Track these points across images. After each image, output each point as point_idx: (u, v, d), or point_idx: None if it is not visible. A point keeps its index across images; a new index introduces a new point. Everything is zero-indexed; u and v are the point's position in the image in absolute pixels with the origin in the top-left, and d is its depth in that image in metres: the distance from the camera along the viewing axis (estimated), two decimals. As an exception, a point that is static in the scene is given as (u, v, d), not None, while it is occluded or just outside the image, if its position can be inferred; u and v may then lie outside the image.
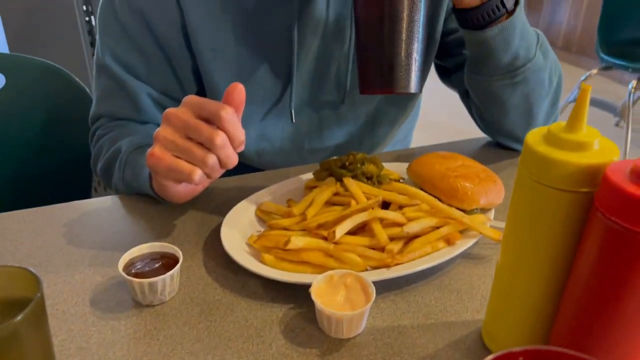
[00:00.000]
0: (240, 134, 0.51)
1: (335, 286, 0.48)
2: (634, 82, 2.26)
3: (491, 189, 0.59)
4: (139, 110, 0.73)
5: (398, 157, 0.78)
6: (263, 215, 0.60)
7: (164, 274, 0.48)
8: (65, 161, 0.98)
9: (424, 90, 0.72)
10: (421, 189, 0.59)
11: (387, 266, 0.51)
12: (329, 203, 0.59)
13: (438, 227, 0.55)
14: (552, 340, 0.40)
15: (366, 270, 0.51)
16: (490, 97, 0.71)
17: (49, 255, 0.56)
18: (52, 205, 0.66)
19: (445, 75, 0.83)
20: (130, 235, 0.60)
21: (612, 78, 3.28)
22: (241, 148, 0.52)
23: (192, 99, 0.52)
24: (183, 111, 0.51)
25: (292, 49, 0.70)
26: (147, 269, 0.50)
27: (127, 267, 0.50)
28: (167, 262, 0.51)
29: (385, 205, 0.58)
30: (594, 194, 0.35)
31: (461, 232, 0.55)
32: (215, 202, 0.65)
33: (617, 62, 2.36)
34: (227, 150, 0.51)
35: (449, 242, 0.54)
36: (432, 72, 0.87)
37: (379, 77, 0.53)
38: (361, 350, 0.45)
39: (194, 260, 0.55)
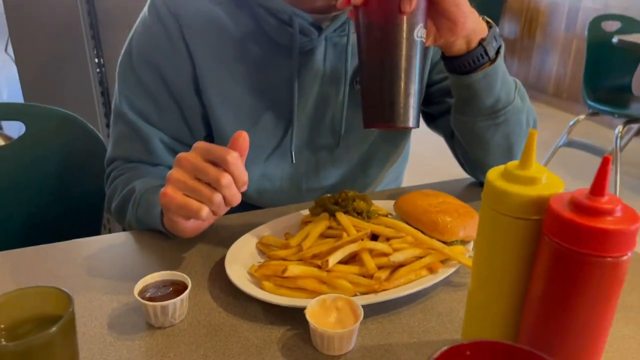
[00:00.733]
0: (243, 175, 0.58)
1: (328, 309, 0.53)
2: (620, 127, 2.36)
3: (469, 222, 0.66)
4: (152, 154, 0.81)
5: (389, 196, 0.84)
6: (263, 248, 0.66)
7: (174, 298, 0.54)
8: (79, 202, 1.05)
9: (415, 137, 0.79)
10: (406, 223, 0.66)
11: (375, 292, 0.57)
12: (323, 236, 0.65)
13: (421, 257, 0.61)
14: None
15: (356, 295, 0.57)
16: (474, 137, 0.78)
17: (69, 284, 0.62)
18: (72, 240, 0.72)
19: (431, 120, 0.91)
20: (142, 266, 0.66)
21: (601, 123, 3.39)
22: (244, 188, 0.59)
23: (201, 144, 0.59)
24: (193, 155, 0.58)
25: (292, 97, 0.79)
26: (159, 294, 0.55)
27: (141, 293, 0.55)
28: (177, 288, 0.56)
29: (374, 237, 0.64)
30: (542, 221, 0.41)
31: (442, 261, 0.61)
32: (220, 237, 0.72)
33: (603, 108, 2.47)
34: (231, 190, 0.57)
35: (431, 270, 0.60)
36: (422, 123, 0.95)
37: (380, 113, 0.59)
38: (351, 365, 0.50)
39: (201, 288, 0.61)
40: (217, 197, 0.57)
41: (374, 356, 0.51)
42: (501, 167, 0.45)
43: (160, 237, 0.72)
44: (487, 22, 0.71)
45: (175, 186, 0.58)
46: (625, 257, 0.38)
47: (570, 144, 2.66)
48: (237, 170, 0.57)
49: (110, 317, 0.57)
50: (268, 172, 0.85)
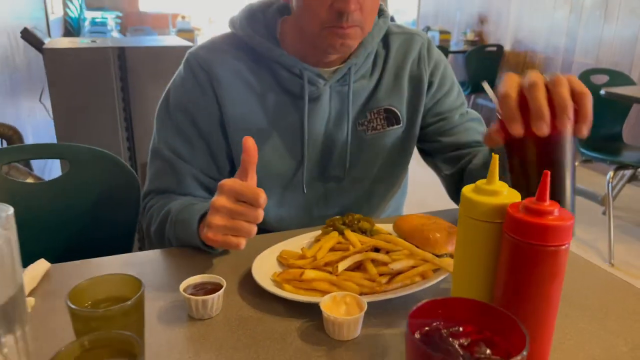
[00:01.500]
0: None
1: (338, 303, 0.65)
2: (611, 173, 2.49)
3: (456, 239, 0.78)
4: (183, 186, 0.94)
5: (389, 221, 0.97)
6: (282, 260, 0.79)
7: (212, 294, 0.66)
8: (112, 228, 1.17)
9: (414, 177, 0.93)
10: (403, 239, 0.78)
11: (377, 292, 0.69)
12: (333, 249, 0.77)
13: (415, 267, 0.73)
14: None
15: (361, 294, 0.69)
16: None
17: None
18: (123, 254, 0.85)
19: (427, 155, 1.05)
20: (182, 274, 0.78)
21: (594, 169, 3.53)
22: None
23: (229, 185, 0.71)
24: (225, 199, 0.70)
25: (303, 137, 0.93)
26: (199, 291, 0.68)
27: (185, 290, 0.68)
28: (213, 288, 0.68)
29: (376, 250, 0.77)
30: (503, 224, 0.54)
31: (433, 270, 0.73)
32: (246, 252, 0.83)
33: (596, 155, 2.61)
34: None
35: (423, 277, 0.72)
36: (421, 163, 1.10)
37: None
38: (356, 348, 0.62)
39: (232, 291, 0.73)
40: (254, 230, 0.70)
41: (374, 342, 0.63)
42: (473, 185, 0.58)
43: (195, 253, 0.84)
44: None
45: (219, 213, 0.70)
46: (563, 247, 0.50)
47: (565, 189, 2.78)
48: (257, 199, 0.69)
49: (159, 312, 0.68)
50: (284, 201, 0.98)
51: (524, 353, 0.38)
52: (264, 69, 0.93)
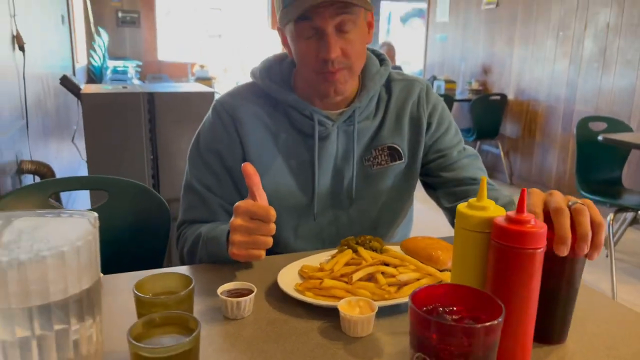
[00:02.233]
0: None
1: (353, 306, 0.76)
2: (611, 215, 2.59)
3: (456, 257, 0.89)
4: (212, 215, 1.07)
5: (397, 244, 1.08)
6: (303, 273, 0.90)
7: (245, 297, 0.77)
8: (145, 251, 1.29)
9: (420, 210, 1.05)
10: (410, 257, 0.89)
11: (386, 299, 0.80)
12: (348, 264, 0.89)
13: (420, 279, 0.84)
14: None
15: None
16: None
17: (164, 294, 0.85)
18: (161, 269, 0.96)
19: (430, 189, 1.17)
20: (217, 282, 0.89)
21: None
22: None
23: (246, 204, 0.84)
24: (242, 218, 0.84)
25: (314, 172, 1.07)
26: (233, 295, 0.79)
27: (221, 294, 0.79)
28: (246, 292, 0.80)
29: (385, 265, 0.88)
30: (490, 233, 0.66)
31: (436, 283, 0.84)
32: (270, 269, 0.95)
33: (596, 198, 2.72)
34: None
35: (427, 287, 0.83)
36: (427, 201, 1.22)
37: (556, 335, 0.73)
38: (368, 343, 0.72)
39: (260, 298, 0.84)
40: (270, 241, 0.83)
41: (385, 339, 0.73)
42: (466, 202, 0.70)
43: (223, 266, 0.95)
44: None
45: (239, 232, 0.83)
46: (539, 250, 0.62)
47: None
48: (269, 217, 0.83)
49: (198, 314, 0.79)
50: (299, 228, 1.10)
51: (500, 319, 0.49)
52: (280, 113, 1.07)
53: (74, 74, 4.57)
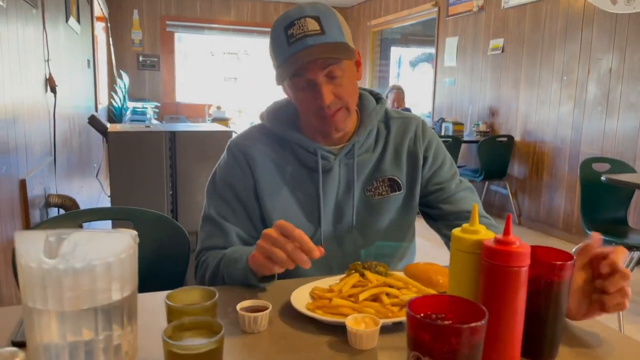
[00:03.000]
0: (308, 243, 0.90)
1: (359, 322, 0.84)
2: (616, 253, 2.62)
3: (455, 281, 0.97)
4: (228, 242, 1.16)
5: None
6: (314, 294, 0.98)
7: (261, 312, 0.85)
8: (166, 277, 1.38)
9: (422, 240, 1.13)
10: (412, 280, 0.97)
11: (390, 318, 0.87)
12: (355, 286, 0.97)
13: (421, 300, 0.92)
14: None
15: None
16: None
17: (187, 311, 0.94)
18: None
19: (430, 219, 1.26)
20: (235, 301, 0.97)
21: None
22: (313, 253, 0.90)
23: (281, 222, 0.93)
24: (273, 231, 0.92)
25: (319, 202, 1.16)
26: (251, 310, 0.87)
27: (240, 309, 0.87)
28: (262, 309, 0.88)
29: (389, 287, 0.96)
30: (480, 254, 0.74)
31: (435, 304, 0.91)
32: (285, 289, 1.03)
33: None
34: (295, 253, 0.90)
35: (427, 308, 0.90)
36: (430, 233, 1.30)
37: (547, 353, 0.79)
38: (373, 355, 0.79)
39: (275, 316, 0.92)
40: (287, 261, 0.90)
41: (388, 352, 0.80)
42: (460, 227, 0.78)
43: (244, 288, 1.03)
44: None
45: (265, 239, 0.92)
46: (523, 268, 0.70)
47: (576, 270, 2.90)
48: (302, 240, 0.90)
49: (217, 327, 0.87)
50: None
51: (483, 322, 0.57)
52: (287, 150, 1.19)
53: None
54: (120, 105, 6.28)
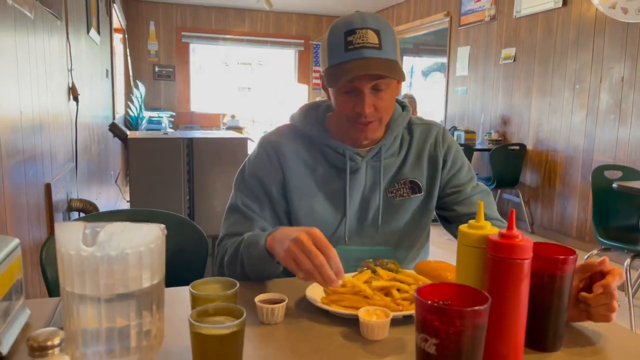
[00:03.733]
0: (337, 264, 0.91)
1: (371, 313, 0.88)
2: (628, 260, 2.63)
3: (463, 278, 1.01)
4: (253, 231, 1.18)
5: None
6: (328, 290, 1.02)
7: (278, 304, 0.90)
8: (188, 274, 1.43)
9: (436, 243, 1.18)
10: (422, 276, 1.01)
11: (400, 311, 0.92)
12: (367, 282, 1.01)
13: (430, 295, 0.96)
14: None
15: (388, 311, 0.91)
16: None
17: (207, 304, 0.99)
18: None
19: (445, 222, 1.31)
20: (256, 294, 1.02)
21: (613, 258, 3.62)
22: (339, 275, 0.91)
23: (316, 233, 0.94)
24: (306, 238, 0.92)
25: (345, 201, 1.21)
26: (268, 303, 0.92)
27: (258, 301, 0.92)
28: (279, 301, 0.92)
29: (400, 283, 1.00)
30: (486, 248, 0.78)
31: (444, 299, 0.95)
32: (301, 285, 1.08)
33: (614, 244, 2.77)
34: (324, 269, 0.90)
35: (436, 302, 0.94)
36: (443, 235, 1.35)
37: (551, 343, 0.83)
38: (384, 345, 0.84)
39: (290, 308, 0.97)
40: (309, 266, 0.90)
41: (398, 342, 0.85)
42: (467, 223, 0.83)
43: (262, 284, 1.08)
44: None
45: (289, 252, 0.93)
46: (526, 261, 0.74)
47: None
48: (334, 259, 0.92)
49: (237, 319, 0.92)
50: None
51: (486, 306, 0.61)
52: (316, 150, 1.23)
53: (113, 123, 4.90)
54: (136, 115, 6.41)
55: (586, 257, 2.88)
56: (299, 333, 0.88)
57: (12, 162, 1.59)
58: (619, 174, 3.04)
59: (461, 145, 4.75)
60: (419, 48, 8.08)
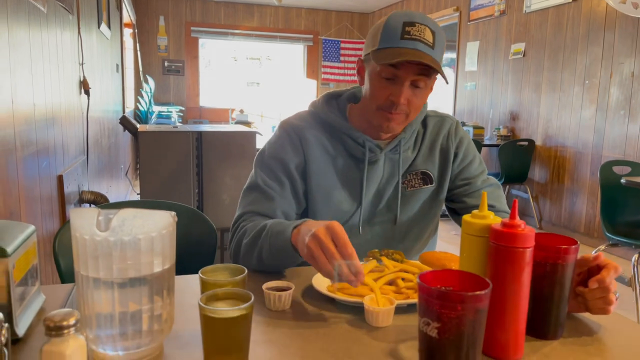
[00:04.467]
0: (357, 266, 0.88)
1: (375, 301, 0.90)
2: (635, 256, 2.63)
3: (467, 268, 1.02)
4: (272, 212, 1.18)
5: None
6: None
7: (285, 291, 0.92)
8: (197, 264, 1.46)
9: (443, 237, 1.19)
10: (426, 266, 1.03)
11: (405, 299, 0.93)
12: (372, 271, 1.03)
13: (435, 284, 0.98)
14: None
15: (393, 299, 0.93)
16: None
17: (216, 292, 1.01)
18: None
19: (454, 214, 1.32)
20: (264, 282, 1.05)
21: (620, 254, 3.62)
22: (359, 277, 0.88)
23: (338, 228, 0.90)
24: (325, 235, 0.90)
25: (362, 190, 1.23)
26: (275, 290, 0.94)
27: (265, 289, 0.94)
28: (286, 289, 0.95)
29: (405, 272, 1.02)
30: (489, 237, 0.80)
31: (448, 288, 0.97)
32: (308, 274, 1.10)
33: (622, 239, 2.77)
34: (343, 268, 0.90)
35: (440, 291, 0.96)
36: (448, 235, 1.36)
37: (553, 330, 0.84)
38: (388, 331, 0.86)
39: (297, 296, 0.99)
40: (328, 267, 0.88)
41: (402, 329, 0.87)
42: (470, 213, 0.84)
43: (270, 274, 1.11)
44: None
45: (308, 250, 0.91)
46: (528, 249, 0.75)
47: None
48: (351, 257, 0.89)
49: (245, 305, 0.95)
50: None
51: (486, 291, 0.63)
52: (336, 138, 1.25)
53: (123, 117, 4.94)
54: (146, 109, 6.45)
55: (594, 252, 2.87)
56: (305, 319, 0.90)
57: (26, 153, 1.62)
58: (628, 169, 3.03)
59: (469, 140, 4.73)
60: (428, 43, 8.03)
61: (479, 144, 4.73)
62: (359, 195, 1.25)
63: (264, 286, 0.95)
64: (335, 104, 1.29)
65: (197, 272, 0.90)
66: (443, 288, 0.69)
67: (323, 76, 8.63)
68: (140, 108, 6.49)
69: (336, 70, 8.68)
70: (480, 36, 5.80)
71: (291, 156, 1.24)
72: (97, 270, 0.71)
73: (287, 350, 0.79)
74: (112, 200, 2.76)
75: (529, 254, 0.76)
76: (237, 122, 6.44)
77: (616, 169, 3.00)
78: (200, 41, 8.04)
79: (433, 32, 1.12)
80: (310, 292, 1.00)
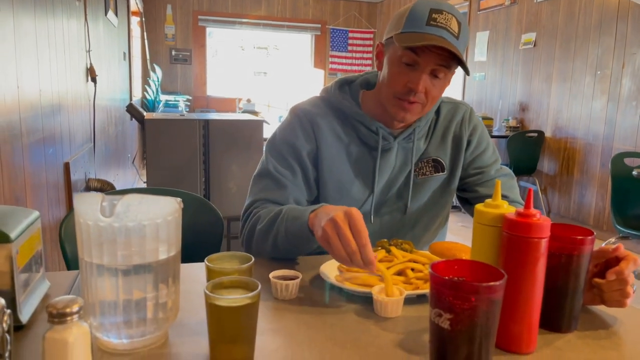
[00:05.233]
0: (369, 254, 0.86)
1: (384, 292, 0.88)
2: (647, 249, 2.59)
3: (478, 258, 1.00)
4: (284, 199, 1.16)
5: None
6: (342, 268, 1.03)
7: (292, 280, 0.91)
8: (203, 252, 1.45)
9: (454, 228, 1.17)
10: (436, 256, 1.01)
11: (414, 290, 0.92)
12: (381, 261, 1.01)
13: (445, 275, 0.96)
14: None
15: (402, 290, 0.91)
16: None
17: (222, 280, 1.00)
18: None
19: (466, 204, 1.30)
20: (268, 272, 1.03)
21: (630, 246, 3.58)
22: (370, 266, 0.87)
23: (356, 214, 0.88)
24: (343, 221, 0.88)
25: (374, 178, 1.21)
26: (283, 279, 0.92)
27: (273, 277, 0.93)
28: (293, 278, 0.93)
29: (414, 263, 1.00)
30: (502, 227, 0.77)
31: (459, 279, 0.95)
32: (315, 263, 1.08)
33: (632, 232, 2.73)
34: (355, 256, 0.86)
35: (451, 282, 0.94)
36: (458, 220, 1.34)
37: (567, 322, 0.83)
38: (397, 322, 0.84)
39: (306, 285, 0.97)
40: (342, 253, 0.87)
41: (411, 320, 0.85)
42: (483, 203, 0.82)
43: (277, 261, 1.09)
44: None
45: (324, 234, 0.89)
46: (544, 240, 0.73)
47: (605, 265, 2.88)
48: (364, 247, 0.87)
49: (251, 294, 0.93)
50: None
51: (501, 282, 0.61)
52: (349, 126, 1.23)
53: (130, 105, 4.94)
54: (153, 98, 6.44)
55: (604, 244, 2.84)
56: (312, 309, 0.88)
57: (32, 139, 1.61)
58: (638, 161, 2.98)
59: (478, 131, 4.69)
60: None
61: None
62: (371, 183, 1.23)
63: (271, 275, 0.93)
64: (348, 90, 1.26)
65: (203, 261, 0.88)
66: (456, 278, 0.67)
67: (331, 66, 8.57)
68: (148, 97, 6.47)
69: (344, 60, 8.61)
70: (490, 26, 5.72)
71: (303, 142, 1.22)
72: (101, 257, 0.69)
73: (294, 339, 0.78)
74: (118, 188, 2.76)
75: (544, 244, 0.74)
76: (244, 112, 6.41)
77: (627, 161, 2.96)
78: (208, 30, 8.00)
79: (459, 23, 1.08)
80: (318, 281, 0.98)
